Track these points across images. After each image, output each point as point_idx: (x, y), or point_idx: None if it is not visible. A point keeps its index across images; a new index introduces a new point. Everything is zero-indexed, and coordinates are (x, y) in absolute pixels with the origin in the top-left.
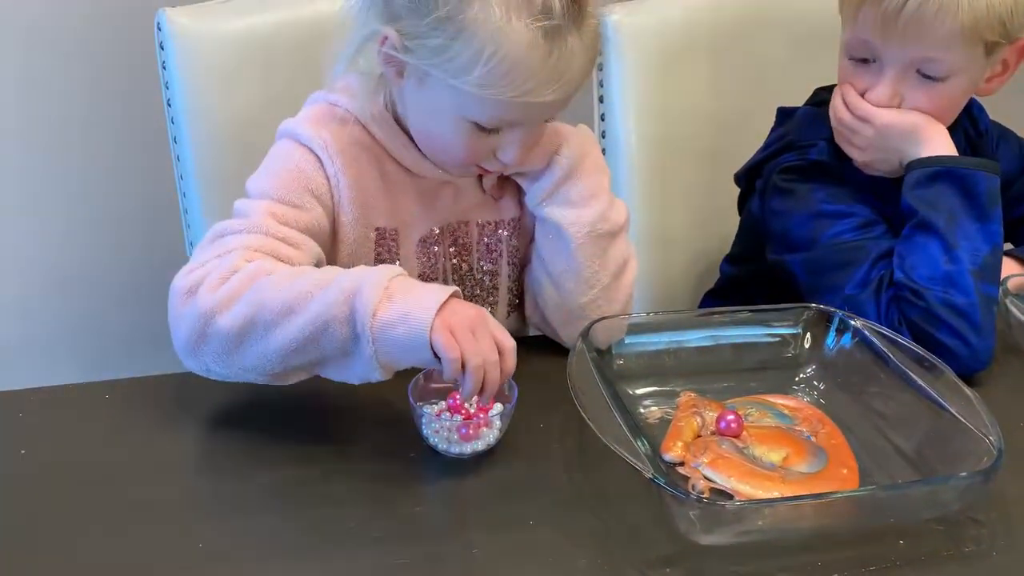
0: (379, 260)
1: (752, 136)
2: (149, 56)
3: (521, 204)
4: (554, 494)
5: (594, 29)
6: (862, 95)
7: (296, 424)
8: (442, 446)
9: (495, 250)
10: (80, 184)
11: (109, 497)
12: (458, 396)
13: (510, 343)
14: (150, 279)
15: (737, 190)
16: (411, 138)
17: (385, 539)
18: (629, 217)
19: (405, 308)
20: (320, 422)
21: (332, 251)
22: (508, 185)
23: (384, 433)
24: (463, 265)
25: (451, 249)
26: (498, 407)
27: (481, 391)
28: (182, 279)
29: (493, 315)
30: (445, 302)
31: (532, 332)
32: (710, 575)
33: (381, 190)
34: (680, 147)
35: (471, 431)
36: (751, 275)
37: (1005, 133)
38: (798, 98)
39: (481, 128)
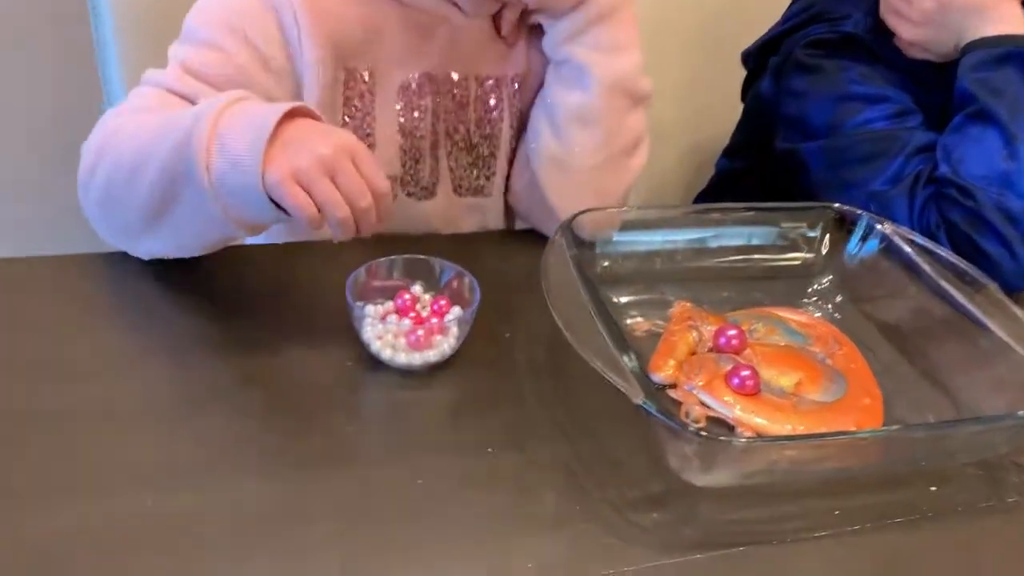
0: (347, 111)
1: (754, 21)
2: None
3: (530, 58)
4: (519, 417)
5: None
6: None
7: (210, 319)
8: (386, 354)
9: (495, 110)
10: None
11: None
12: (407, 296)
13: (383, 184)
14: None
15: (739, 77)
16: None
17: (310, 462)
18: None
19: (236, 151)
20: (239, 318)
21: (297, 100)
22: (521, 32)
23: (316, 335)
24: (458, 127)
25: (443, 104)
26: (455, 311)
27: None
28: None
29: (487, 192)
30: (277, 131)
31: (518, 225)
32: (705, 522)
33: (357, 20)
34: (673, 34)
35: (422, 338)
36: (751, 170)
37: None
38: None
39: None
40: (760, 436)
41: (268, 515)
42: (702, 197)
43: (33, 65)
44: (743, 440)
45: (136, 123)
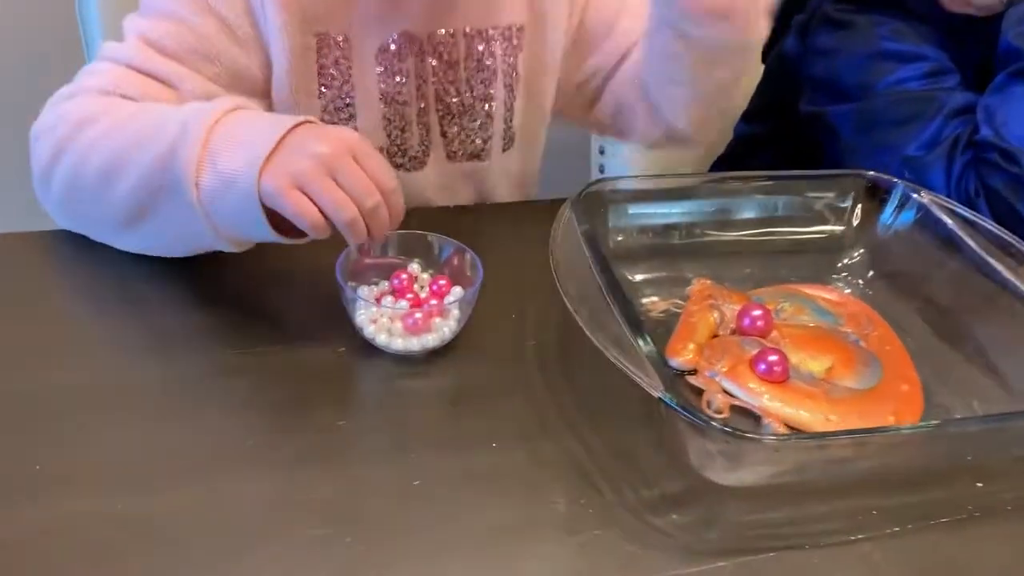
0: (324, 81)
1: None
2: None
3: (535, 4)
4: (526, 408)
5: None
6: None
7: (189, 303)
8: (381, 339)
9: (487, 69)
10: None
11: None
12: (404, 275)
13: (390, 181)
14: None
15: None
16: None
17: (298, 461)
18: None
19: (230, 168)
20: (221, 301)
21: (268, 70)
22: None
23: (304, 320)
24: (448, 89)
25: (429, 64)
26: (456, 291)
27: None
28: (35, 123)
29: (484, 156)
30: (282, 142)
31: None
32: (730, 524)
33: None
34: None
35: (420, 321)
36: (772, 136)
37: None
38: None
39: None
40: (794, 431)
41: (252, 519)
42: (719, 164)
43: (19, 42)
44: (777, 439)
45: (109, 119)
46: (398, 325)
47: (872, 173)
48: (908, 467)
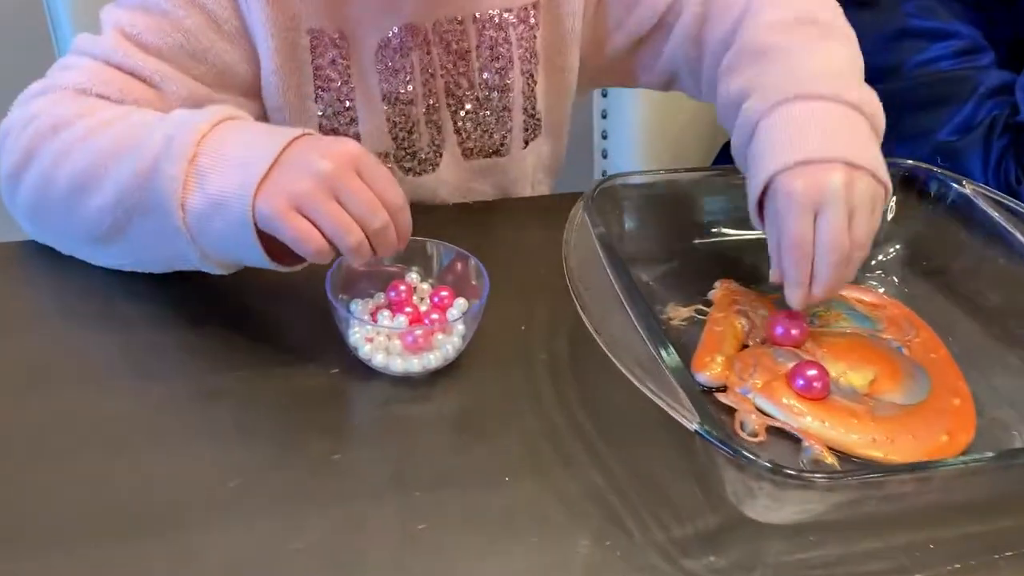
0: (320, 83)
1: None
2: None
3: None
4: (540, 434)
5: None
6: None
7: (165, 320)
8: (378, 360)
9: (502, 57)
10: None
11: None
12: (402, 287)
13: (397, 197)
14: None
15: None
16: None
17: (285, 501)
18: None
19: (220, 189)
20: (200, 319)
21: (258, 68)
22: None
23: (294, 337)
24: (460, 82)
25: (437, 57)
26: (460, 304)
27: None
28: (3, 121)
29: (505, 151)
30: (278, 158)
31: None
32: (772, 565)
33: None
34: None
35: (421, 339)
36: None
37: None
38: None
39: None
40: (837, 453)
41: (237, 567)
42: (726, 151)
43: None
44: (831, 478)
45: (86, 123)
46: (396, 343)
47: (910, 162)
48: (969, 497)
